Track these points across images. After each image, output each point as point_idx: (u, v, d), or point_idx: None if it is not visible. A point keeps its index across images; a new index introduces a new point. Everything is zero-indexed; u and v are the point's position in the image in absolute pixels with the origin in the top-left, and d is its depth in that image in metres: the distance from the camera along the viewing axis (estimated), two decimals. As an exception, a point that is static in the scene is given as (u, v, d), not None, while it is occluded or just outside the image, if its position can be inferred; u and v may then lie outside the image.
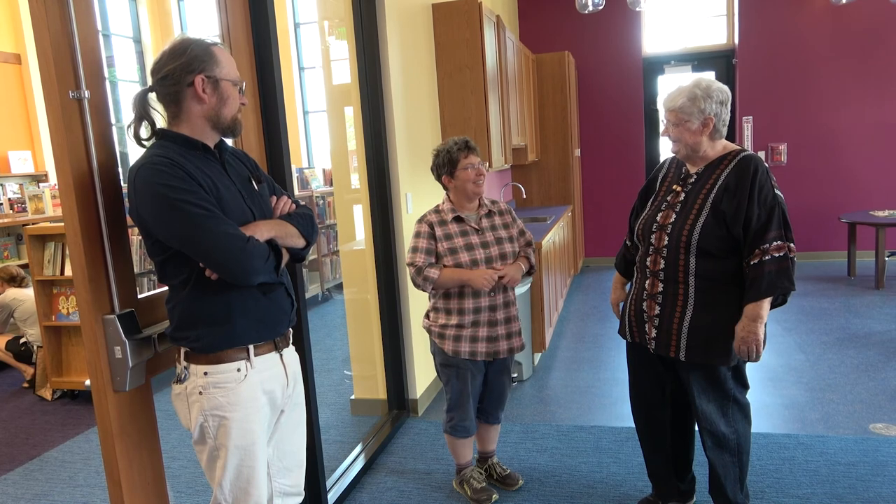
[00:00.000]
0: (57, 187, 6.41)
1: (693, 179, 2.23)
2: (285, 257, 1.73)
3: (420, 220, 2.66)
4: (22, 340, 4.76)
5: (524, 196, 6.61)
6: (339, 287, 7.52)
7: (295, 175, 7.20)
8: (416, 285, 2.60)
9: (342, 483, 2.94)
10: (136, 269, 3.75)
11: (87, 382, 1.71)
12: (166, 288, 1.72)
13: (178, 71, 1.59)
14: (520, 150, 5.89)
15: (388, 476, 3.06)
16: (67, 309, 4.29)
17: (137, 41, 8.41)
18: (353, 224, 3.91)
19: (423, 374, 3.85)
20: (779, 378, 3.92)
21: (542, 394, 3.96)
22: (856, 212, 6.59)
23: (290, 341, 1.88)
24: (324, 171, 8.05)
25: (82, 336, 1.68)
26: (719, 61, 7.26)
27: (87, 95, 1.61)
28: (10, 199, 6.36)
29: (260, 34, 2.33)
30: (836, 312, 5.23)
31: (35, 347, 4.68)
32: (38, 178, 7.17)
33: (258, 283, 1.65)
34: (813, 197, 7.00)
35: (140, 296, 1.79)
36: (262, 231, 1.65)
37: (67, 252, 4.25)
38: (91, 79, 1.63)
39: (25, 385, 4.75)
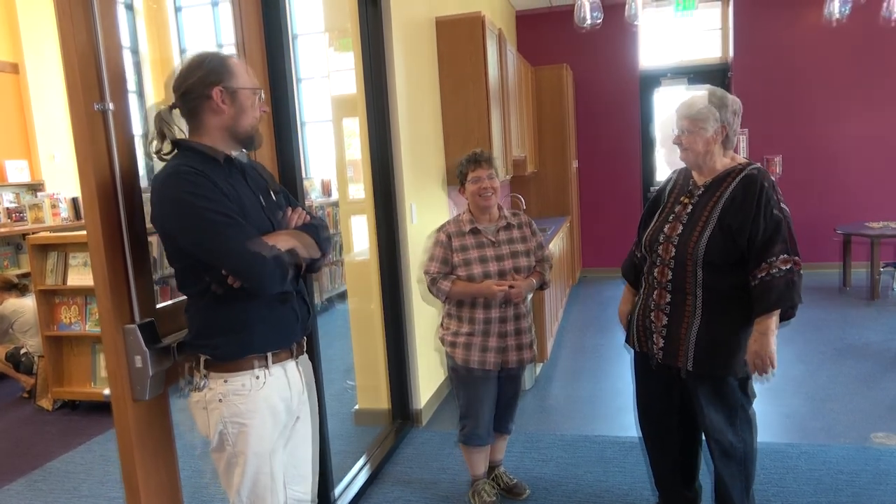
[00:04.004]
0: (56, 196, 6.45)
1: (700, 192, 2.26)
2: (302, 267, 1.75)
3: (439, 230, 2.69)
4: (22, 351, 4.74)
5: (523, 207, 6.65)
6: (339, 296, 7.53)
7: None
8: (431, 293, 2.63)
9: (348, 494, 2.95)
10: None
11: (107, 392, 1.72)
12: (183, 297, 1.74)
13: (197, 85, 1.62)
14: (519, 161, 5.93)
15: (393, 486, 3.07)
16: (69, 319, 4.28)
17: (135, 52, 8.43)
18: (358, 234, 3.93)
19: (427, 384, 3.87)
20: (779, 388, 3.95)
21: (545, 404, 3.98)
22: (850, 224, 6.66)
23: (305, 349, 1.90)
24: (322, 181, 8.08)
25: (103, 345, 1.70)
26: (715, 75, 7.35)
27: (111, 107, 1.64)
28: (7, 209, 6.36)
29: (273, 48, 2.36)
30: (833, 324, 5.28)
31: (36, 358, 4.66)
32: (35, 188, 7.16)
33: (277, 291, 1.67)
34: (807, 209, 7.07)
35: (158, 305, 1.81)
36: (282, 241, 1.67)
37: (70, 262, 4.25)
38: (115, 91, 1.66)
39: (25, 395, 4.73)
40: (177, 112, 1.67)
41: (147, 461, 1.76)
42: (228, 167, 1.68)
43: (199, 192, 1.54)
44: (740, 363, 2.19)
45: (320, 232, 1.81)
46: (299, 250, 1.71)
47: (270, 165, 2.35)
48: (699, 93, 2.23)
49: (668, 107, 2.36)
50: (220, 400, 1.67)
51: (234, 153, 1.71)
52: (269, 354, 1.72)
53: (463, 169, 2.65)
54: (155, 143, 1.67)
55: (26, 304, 4.70)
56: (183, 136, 1.69)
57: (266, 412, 1.70)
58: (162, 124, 1.66)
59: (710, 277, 2.17)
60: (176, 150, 1.67)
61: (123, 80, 1.71)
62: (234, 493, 1.72)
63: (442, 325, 2.75)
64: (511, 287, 2.55)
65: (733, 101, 2.21)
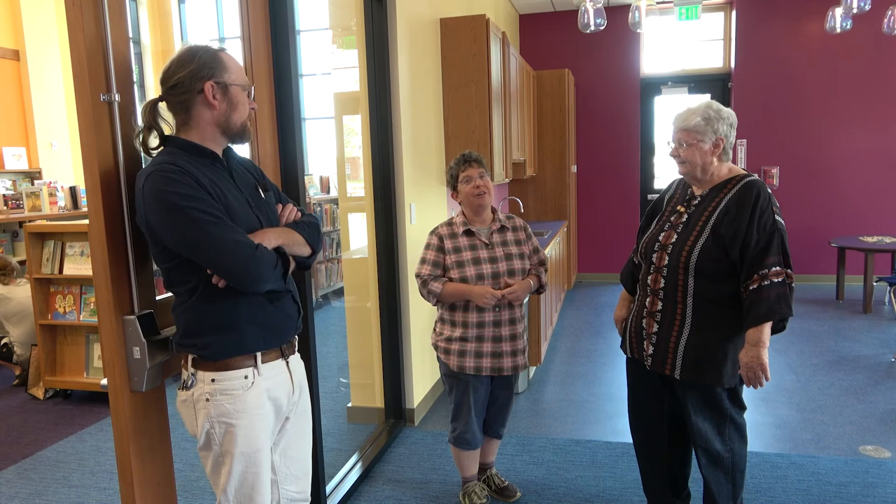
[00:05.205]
0: (53, 184, 6.43)
1: (697, 201, 2.27)
2: (292, 265, 1.74)
3: (431, 232, 2.68)
4: (3, 341, 4.71)
5: (521, 210, 6.66)
6: (335, 294, 7.53)
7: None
8: (423, 296, 2.63)
9: (340, 491, 2.95)
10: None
11: (104, 382, 1.72)
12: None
13: (188, 79, 1.60)
14: (518, 164, 5.94)
15: (385, 485, 3.07)
16: (64, 308, 4.27)
17: (137, 42, 8.41)
18: (356, 232, 3.94)
19: (420, 383, 3.87)
20: (770, 398, 3.98)
21: (538, 407, 3.99)
22: (846, 236, 6.70)
23: (296, 349, 1.89)
24: (321, 178, 8.07)
25: (100, 335, 1.69)
26: (715, 84, 7.38)
27: (117, 98, 1.64)
28: (3, 196, 6.33)
29: (279, 43, 2.36)
30: (826, 335, 5.31)
31: (15, 348, 4.63)
32: (32, 175, 7.14)
33: (266, 290, 1.66)
34: (804, 220, 7.12)
35: (157, 297, 1.81)
36: (269, 238, 1.66)
37: (66, 251, 4.24)
38: (121, 83, 1.66)
39: (16, 383, 4.71)
40: (163, 106, 1.65)
41: (142, 452, 1.76)
42: (214, 164, 1.67)
43: (184, 191, 1.52)
44: (729, 373, 2.20)
45: (311, 229, 1.81)
46: (287, 248, 1.70)
47: (273, 161, 2.35)
48: (695, 105, 2.24)
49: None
50: (207, 399, 1.65)
51: (221, 149, 1.70)
52: (259, 354, 1.70)
53: (454, 171, 2.65)
54: (142, 135, 1.65)
55: (17, 292, 4.67)
56: (170, 132, 1.67)
57: (254, 412, 1.69)
58: (154, 117, 1.64)
59: (702, 287, 2.18)
60: (162, 146, 1.65)
61: (130, 72, 1.71)
62: (220, 492, 1.71)
63: (435, 329, 2.74)
64: (509, 285, 2.55)
65: (729, 114, 2.23)
